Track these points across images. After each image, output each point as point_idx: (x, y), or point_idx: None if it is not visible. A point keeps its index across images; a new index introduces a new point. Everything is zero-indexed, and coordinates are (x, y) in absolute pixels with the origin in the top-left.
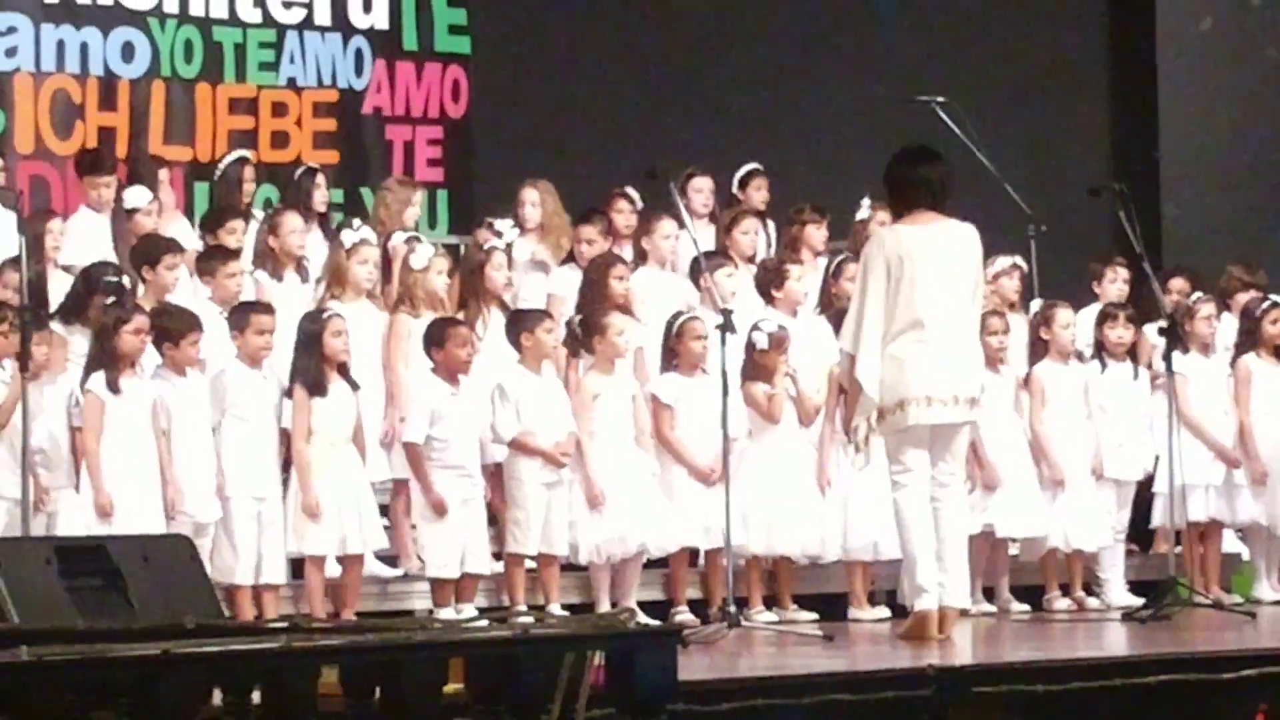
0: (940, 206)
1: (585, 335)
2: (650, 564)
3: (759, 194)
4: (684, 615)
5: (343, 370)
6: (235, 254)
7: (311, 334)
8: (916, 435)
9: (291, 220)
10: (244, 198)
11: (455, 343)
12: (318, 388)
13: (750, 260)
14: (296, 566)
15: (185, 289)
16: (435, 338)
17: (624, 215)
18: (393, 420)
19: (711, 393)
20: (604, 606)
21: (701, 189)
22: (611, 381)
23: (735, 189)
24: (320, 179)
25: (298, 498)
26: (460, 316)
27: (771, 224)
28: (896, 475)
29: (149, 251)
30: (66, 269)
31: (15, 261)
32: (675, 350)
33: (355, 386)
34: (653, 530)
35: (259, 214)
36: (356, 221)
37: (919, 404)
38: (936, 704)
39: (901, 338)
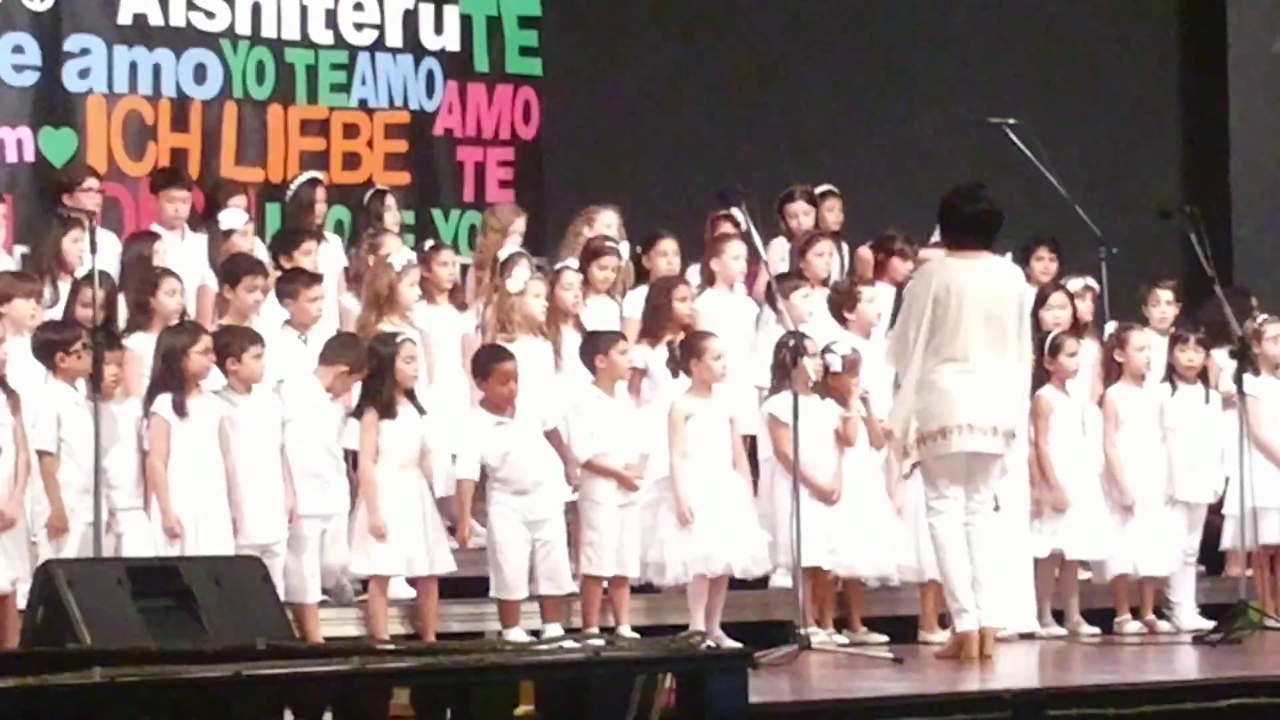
0: (989, 244)
1: (683, 357)
2: (740, 586)
3: (833, 215)
4: (819, 637)
5: (409, 394)
6: (318, 278)
7: (385, 357)
8: (954, 464)
9: (389, 243)
10: (316, 219)
11: (498, 379)
12: (388, 410)
13: (824, 283)
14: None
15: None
16: (482, 369)
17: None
18: None
19: (825, 413)
20: (698, 625)
21: (832, 207)
22: (706, 404)
23: None
24: (390, 200)
25: (363, 518)
26: (510, 348)
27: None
28: (933, 502)
29: (233, 272)
30: None
31: (89, 279)
32: (787, 370)
33: (421, 410)
34: (743, 551)
35: (330, 236)
36: (524, 263)
37: (961, 431)
38: None
39: (945, 367)
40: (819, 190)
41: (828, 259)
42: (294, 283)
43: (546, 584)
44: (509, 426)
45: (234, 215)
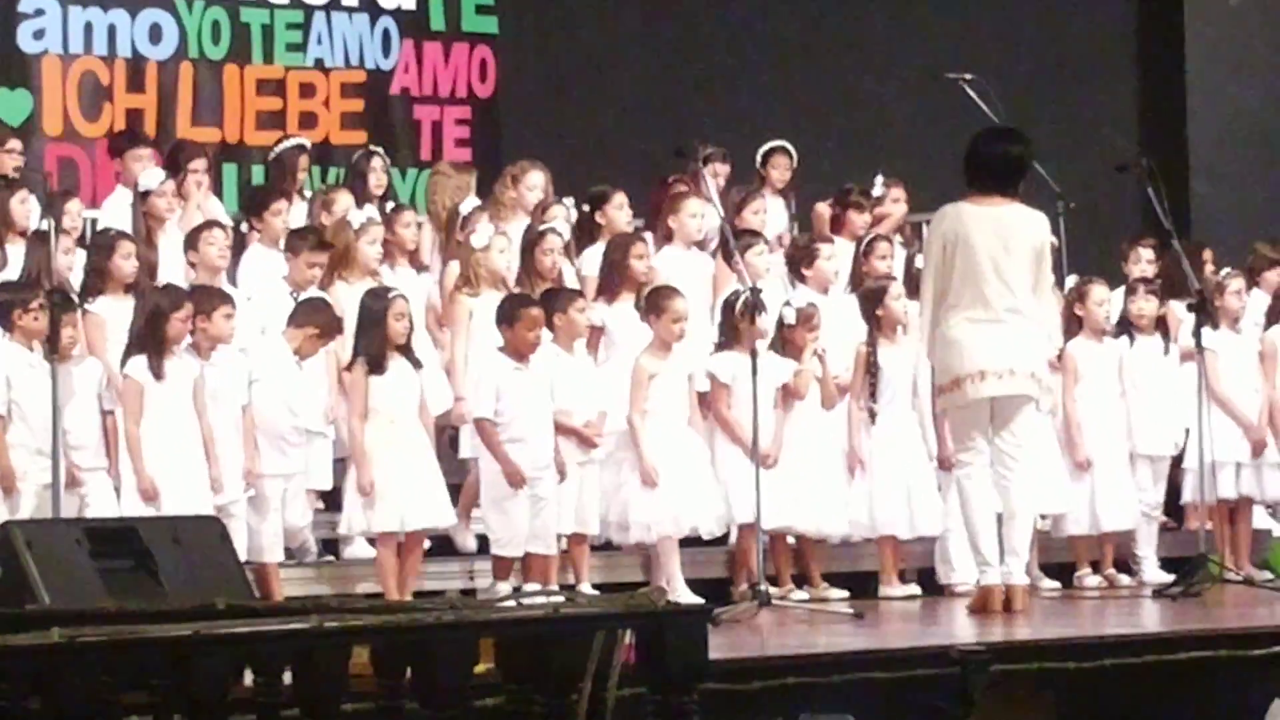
0: (1010, 191)
1: (646, 311)
2: (707, 542)
3: (777, 172)
4: (777, 593)
5: (404, 349)
6: (326, 245)
7: (375, 313)
8: (978, 415)
9: (344, 200)
10: (297, 184)
11: (525, 324)
12: (377, 366)
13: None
14: (329, 545)
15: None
16: (507, 315)
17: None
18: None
19: (767, 372)
20: (679, 585)
21: (719, 174)
22: (669, 362)
23: (758, 166)
24: (377, 162)
25: (354, 477)
26: (477, 303)
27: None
28: (960, 455)
29: (191, 236)
30: None
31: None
32: (736, 328)
33: (418, 365)
34: (705, 510)
35: (310, 194)
36: (485, 218)
37: (974, 380)
38: (962, 682)
39: (956, 315)
40: (767, 147)
41: (763, 216)
42: (301, 240)
43: (535, 542)
44: (525, 373)
45: (151, 175)
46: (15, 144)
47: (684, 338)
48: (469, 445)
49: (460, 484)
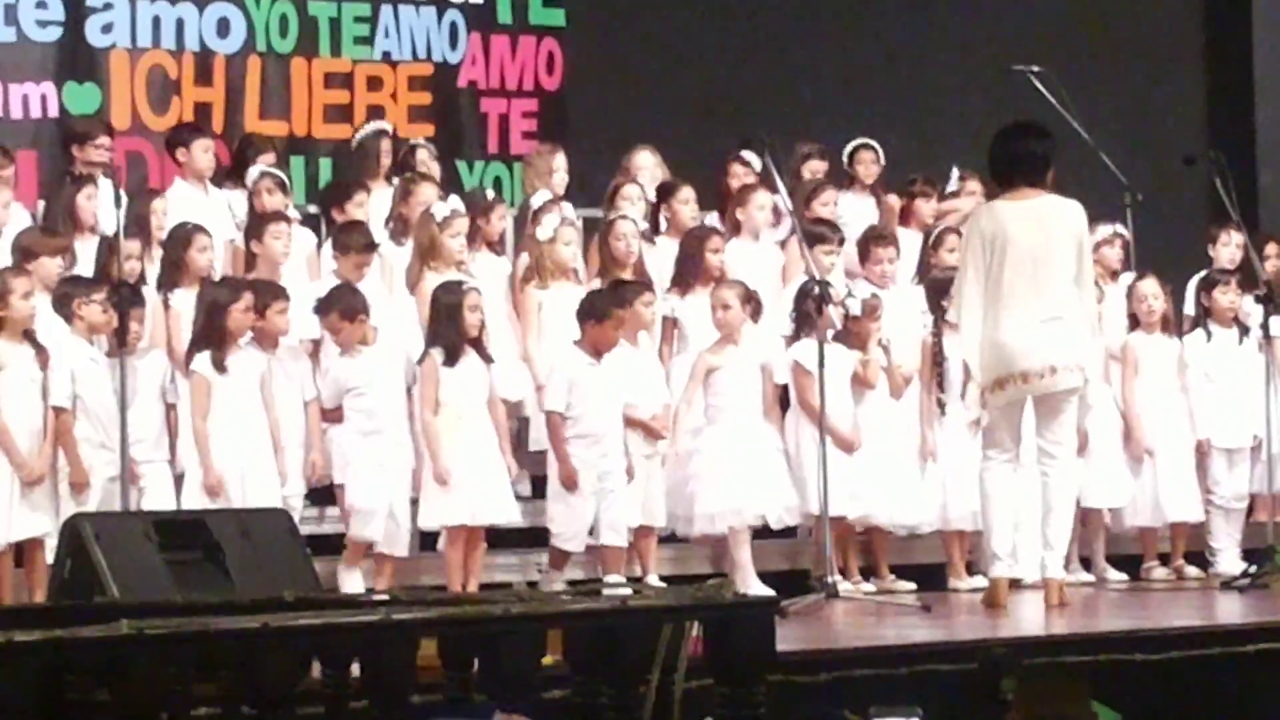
0: (1039, 182)
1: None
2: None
3: (863, 168)
4: (845, 585)
5: (475, 342)
6: (373, 246)
7: (450, 305)
8: (1010, 415)
9: (425, 191)
10: (381, 170)
11: (613, 323)
12: (450, 359)
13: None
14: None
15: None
16: (596, 312)
17: (738, 180)
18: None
19: (844, 361)
20: (751, 578)
21: (816, 170)
22: (734, 354)
23: (845, 164)
24: (423, 154)
25: (428, 470)
26: (545, 295)
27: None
28: (986, 449)
29: (255, 226)
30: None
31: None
32: (810, 317)
33: (489, 359)
34: (774, 501)
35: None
36: (554, 210)
37: (1016, 381)
38: (991, 678)
39: (998, 315)
40: (852, 145)
41: (832, 208)
42: (350, 237)
43: (608, 534)
44: (598, 369)
45: (253, 173)
46: (104, 140)
47: (729, 328)
48: (538, 437)
49: (539, 476)
